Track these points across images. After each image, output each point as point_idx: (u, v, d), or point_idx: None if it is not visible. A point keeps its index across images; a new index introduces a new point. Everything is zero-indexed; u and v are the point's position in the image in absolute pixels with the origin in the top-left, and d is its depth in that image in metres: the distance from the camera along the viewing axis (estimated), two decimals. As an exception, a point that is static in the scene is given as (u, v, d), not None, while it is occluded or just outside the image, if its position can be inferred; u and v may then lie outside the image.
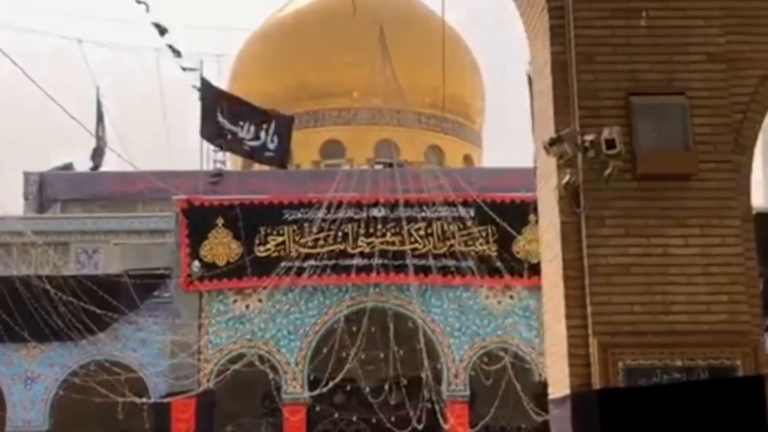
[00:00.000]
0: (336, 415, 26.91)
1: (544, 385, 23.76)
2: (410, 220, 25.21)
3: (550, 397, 8.20)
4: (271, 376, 24.94)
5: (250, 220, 25.32)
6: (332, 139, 38.40)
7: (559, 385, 7.85)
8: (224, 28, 54.94)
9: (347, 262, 25.05)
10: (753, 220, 7.97)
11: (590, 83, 7.81)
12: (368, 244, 25.10)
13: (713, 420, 7.32)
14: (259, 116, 28.81)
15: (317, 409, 25.94)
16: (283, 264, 24.72)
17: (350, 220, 25.21)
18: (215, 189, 28.55)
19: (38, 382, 25.50)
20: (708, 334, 7.54)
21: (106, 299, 24.58)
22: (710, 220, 7.69)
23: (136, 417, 24.68)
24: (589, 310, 7.57)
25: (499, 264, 24.78)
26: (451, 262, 24.91)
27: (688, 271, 7.62)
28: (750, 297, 7.67)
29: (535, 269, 24.19)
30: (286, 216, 25.44)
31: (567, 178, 7.64)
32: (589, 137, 7.47)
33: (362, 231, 25.16)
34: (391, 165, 30.78)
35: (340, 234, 25.15)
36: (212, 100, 28.52)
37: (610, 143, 7.41)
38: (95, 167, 34.59)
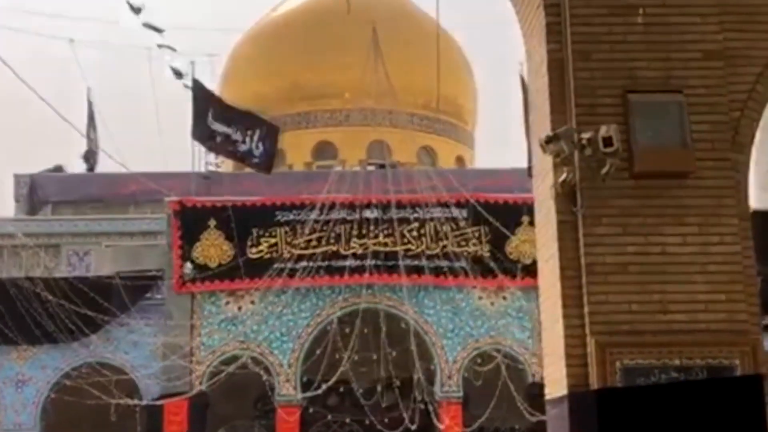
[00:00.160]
0: (329, 416, 26.83)
1: (537, 386, 23.86)
2: (403, 221, 25.15)
3: (547, 397, 8.13)
4: (264, 377, 24.86)
5: (243, 221, 25.24)
6: (324, 141, 38.33)
7: (556, 385, 7.79)
8: (216, 30, 54.73)
9: (340, 263, 24.98)
10: (751, 218, 7.92)
11: (587, 81, 7.76)
12: (361, 245, 25.04)
13: (712, 420, 7.27)
14: (246, 121, 28.72)
15: (310, 410, 25.86)
16: (275, 265, 24.64)
17: (343, 221, 25.15)
18: (208, 190, 28.47)
19: (29, 385, 25.37)
20: (706, 333, 7.48)
21: (97, 301, 24.48)
22: (708, 219, 7.64)
23: (129, 419, 24.58)
24: (586, 309, 7.52)
25: (492, 264, 24.74)
26: (444, 263, 24.86)
27: (686, 269, 7.57)
28: (748, 296, 7.62)
29: (528, 270, 24.27)
30: (279, 217, 25.37)
31: (563, 176, 7.58)
32: (586, 135, 7.41)
33: (355, 232, 25.10)
34: (383, 166, 30.72)
35: (332, 235, 25.09)
36: (203, 101, 28.41)
37: (607, 141, 7.35)
38: (90, 169, 34.48)
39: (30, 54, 33.39)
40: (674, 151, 7.64)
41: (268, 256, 25.01)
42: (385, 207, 25.29)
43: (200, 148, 30.15)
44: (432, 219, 25.15)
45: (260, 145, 28.31)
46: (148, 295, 25.54)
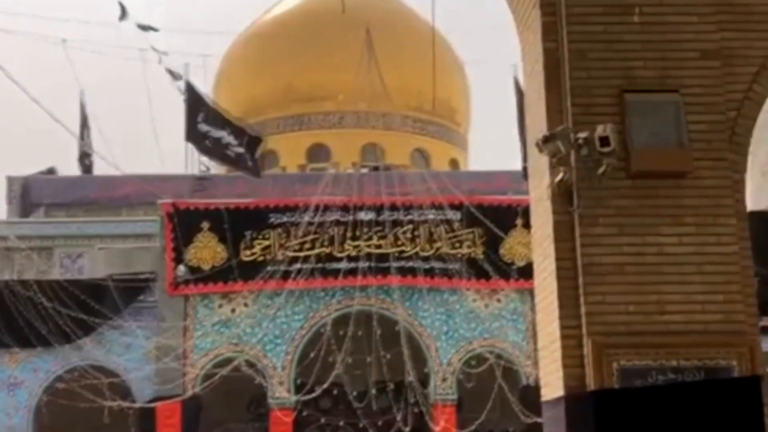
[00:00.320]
0: (323, 419, 26.74)
1: (531, 388, 23.81)
2: (397, 223, 25.11)
3: (544, 399, 8.07)
4: (257, 380, 24.78)
5: (236, 223, 25.16)
6: (318, 143, 38.27)
7: (553, 387, 7.74)
8: (209, 32, 54.69)
9: (334, 265, 24.93)
10: (748, 218, 7.88)
11: (583, 80, 7.72)
12: (355, 247, 24.99)
13: (710, 421, 7.23)
14: (235, 127, 28.70)
15: (304, 413, 25.77)
16: (269, 268, 24.58)
17: (337, 223, 25.09)
18: (201, 192, 28.41)
19: (22, 388, 25.25)
20: (703, 334, 7.45)
21: (90, 304, 24.38)
22: (705, 219, 7.61)
23: (122, 422, 24.48)
24: (583, 310, 7.47)
25: (486, 266, 24.71)
26: (438, 265, 24.82)
27: (683, 270, 7.54)
28: (746, 296, 7.59)
29: (522, 272, 24.26)
30: (272, 220, 25.31)
31: (560, 176, 7.54)
32: (582, 135, 7.37)
33: (349, 234, 25.05)
34: (377, 168, 30.69)
35: (326, 238, 25.03)
36: (195, 104, 28.37)
37: (604, 141, 7.31)
38: (86, 171, 34.38)
39: (22, 56, 33.31)
40: (671, 151, 7.61)
41: (262, 258, 24.94)
42: (378, 209, 25.25)
43: (193, 151, 30.14)
44: (426, 221, 25.11)
45: (248, 149, 28.32)
46: (140, 297, 25.43)
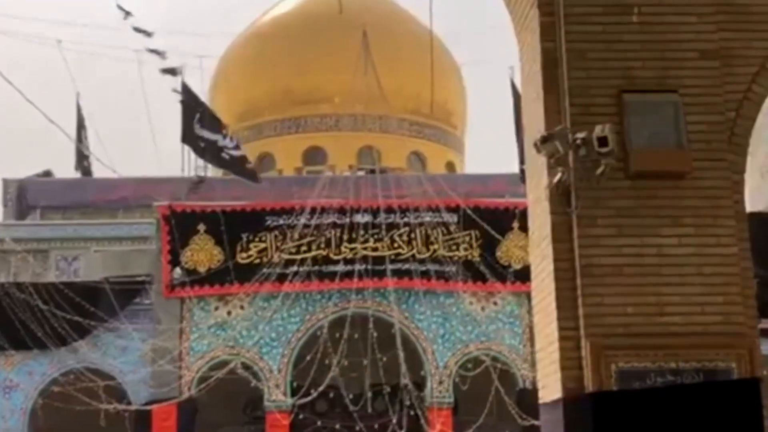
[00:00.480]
0: (319, 422, 26.65)
1: (528, 391, 23.76)
2: (393, 225, 25.06)
3: (542, 401, 8.02)
4: (253, 383, 24.72)
5: (232, 226, 25.10)
6: (315, 146, 38.24)
7: (551, 389, 7.69)
8: (206, 34, 54.66)
9: (330, 268, 24.87)
10: (747, 219, 7.84)
11: (581, 80, 7.67)
12: (351, 250, 24.93)
13: (709, 424, 7.18)
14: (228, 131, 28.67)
15: (300, 416, 25.69)
16: (265, 270, 24.53)
17: (333, 225, 25.03)
18: (197, 195, 28.35)
19: (17, 391, 25.16)
20: (702, 335, 7.40)
21: (85, 306, 24.30)
22: (704, 220, 7.56)
23: (118, 425, 24.38)
24: (581, 311, 7.42)
25: (482, 269, 24.66)
26: (434, 268, 24.77)
27: (683, 271, 7.49)
28: (745, 298, 7.54)
29: (519, 275, 24.23)
30: (269, 222, 25.25)
31: (558, 176, 7.49)
32: (580, 135, 7.33)
33: (345, 237, 25.00)
34: (373, 171, 30.64)
35: (323, 240, 24.98)
36: (191, 106, 28.31)
37: (602, 141, 7.26)
38: (85, 174, 34.31)
39: (18, 58, 33.26)
40: (670, 152, 7.56)
41: (258, 261, 24.89)
42: (375, 212, 25.20)
43: (189, 153, 30.08)
44: (422, 224, 25.06)
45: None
46: (137, 300, 25.36)
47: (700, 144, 7.62)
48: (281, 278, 24.56)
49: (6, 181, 32.88)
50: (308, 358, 24.35)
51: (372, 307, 24.90)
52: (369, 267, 24.74)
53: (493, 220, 25.03)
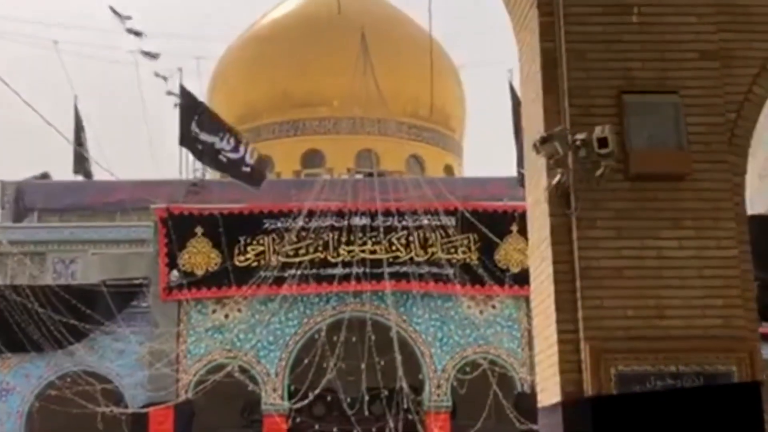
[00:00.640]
0: (317, 426, 26.59)
1: (526, 395, 23.70)
2: (391, 228, 25.00)
3: (540, 405, 7.95)
4: (250, 386, 24.64)
5: (230, 229, 25.04)
6: (313, 149, 38.18)
7: (550, 393, 7.62)
8: (205, 38, 54.70)
9: (328, 271, 24.80)
10: (747, 222, 7.77)
11: (581, 81, 7.61)
12: (349, 252, 24.87)
13: (709, 428, 7.12)
14: (237, 132, 28.51)
15: (297, 420, 25.63)
16: (263, 273, 24.45)
17: (331, 228, 24.98)
18: (197, 195, 28.30)
19: (14, 394, 25.09)
20: (703, 339, 7.33)
21: (82, 309, 24.23)
22: (705, 222, 7.49)
23: (115, 428, 24.31)
24: (580, 314, 7.35)
25: (481, 272, 24.60)
26: (432, 271, 24.70)
27: (683, 274, 7.42)
28: (745, 301, 7.47)
29: (517, 278, 24.18)
30: (266, 225, 25.19)
31: (557, 178, 7.42)
32: (580, 136, 7.26)
33: (343, 239, 24.94)
34: (371, 175, 30.58)
35: (320, 243, 24.92)
36: (189, 108, 28.22)
37: (602, 142, 7.20)
38: (85, 176, 34.22)
39: (14, 60, 33.21)
40: (670, 153, 7.50)
41: (256, 263, 24.82)
42: (373, 215, 25.14)
43: (187, 156, 30.03)
44: (420, 227, 25.00)
45: (254, 154, 28.12)
46: (134, 303, 25.30)
47: (701, 145, 7.56)
48: (279, 281, 24.50)
49: (3, 184, 32.81)
50: (306, 361, 24.28)
51: (370, 310, 24.83)
52: (367, 270, 24.68)
53: (492, 223, 24.98)
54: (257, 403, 25.12)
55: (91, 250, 28.60)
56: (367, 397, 24.92)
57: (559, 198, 7.49)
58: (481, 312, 25.11)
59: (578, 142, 7.26)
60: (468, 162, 42.40)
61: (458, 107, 41.41)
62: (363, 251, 24.85)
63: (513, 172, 28.70)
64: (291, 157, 37.79)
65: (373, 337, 24.23)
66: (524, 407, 22.82)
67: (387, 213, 25.12)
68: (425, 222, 25.02)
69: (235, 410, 26.78)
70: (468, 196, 27.17)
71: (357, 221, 25.03)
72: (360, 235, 24.91)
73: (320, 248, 24.92)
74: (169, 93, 27.55)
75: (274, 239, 24.99)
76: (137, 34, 23.23)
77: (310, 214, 24.92)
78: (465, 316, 25.10)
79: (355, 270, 24.65)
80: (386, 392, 24.82)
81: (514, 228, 24.66)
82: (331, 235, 24.98)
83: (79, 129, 33.44)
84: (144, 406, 24.20)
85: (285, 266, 24.65)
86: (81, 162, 33.81)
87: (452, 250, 24.96)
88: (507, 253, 24.95)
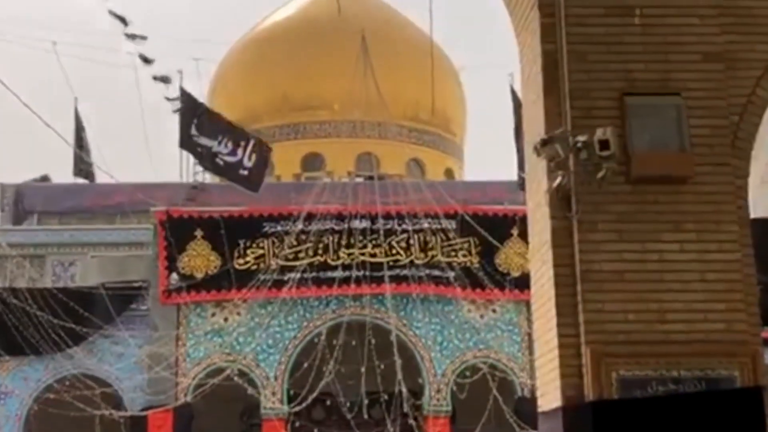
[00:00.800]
0: (316, 430, 26.53)
1: (526, 400, 23.64)
2: (392, 231, 24.94)
3: (541, 409, 7.88)
4: (250, 390, 24.57)
5: (230, 232, 25.00)
6: (313, 152, 38.11)
7: (550, 397, 7.55)
8: (205, 40, 54.64)
9: (328, 274, 24.74)
10: (750, 225, 7.70)
11: (583, 83, 7.54)
12: (349, 255, 24.81)
13: (711, 433, 7.04)
14: (237, 133, 28.37)
15: (296, 424, 25.59)
16: (262, 276, 24.40)
17: (331, 231, 24.93)
18: (195, 201, 28.21)
19: (12, 397, 25.04)
20: (705, 343, 7.26)
21: (82, 312, 24.17)
22: (707, 225, 7.43)
23: (114, 431, 24.26)
24: (581, 318, 7.28)
25: (481, 276, 24.54)
26: (433, 274, 24.64)
27: (684, 277, 7.35)
28: (748, 305, 7.41)
29: (517, 283, 24.12)
30: (266, 228, 25.15)
31: (558, 180, 7.35)
32: (581, 138, 7.19)
33: (343, 243, 24.88)
34: (371, 178, 30.52)
35: (320, 246, 24.86)
36: (189, 110, 28.13)
37: (604, 144, 7.13)
38: (87, 178, 34.13)
39: (14, 62, 33.17)
40: (672, 156, 7.44)
41: (255, 267, 24.76)
42: (373, 218, 25.09)
43: (188, 159, 29.97)
44: (421, 230, 24.94)
45: (253, 157, 28.00)
46: (133, 306, 25.27)
47: (703, 148, 7.49)
48: (278, 284, 24.45)
49: (3, 186, 32.74)
50: (305, 365, 24.22)
51: (370, 313, 24.78)
52: (367, 273, 24.63)
53: (492, 227, 24.92)
54: (256, 406, 25.06)
55: (91, 252, 28.54)
56: (366, 401, 24.87)
57: (560, 201, 7.42)
58: (481, 316, 25.05)
59: (579, 145, 7.20)
60: (469, 165, 42.36)
61: (459, 111, 41.33)
62: (363, 254, 24.80)
63: (514, 175, 28.64)
64: (291, 160, 37.70)
65: (372, 341, 24.18)
66: (524, 412, 22.75)
67: (387, 216, 25.06)
68: (425, 225, 24.97)
69: (234, 414, 26.71)
70: (468, 199, 27.10)
71: (357, 224, 24.98)
72: (360, 238, 24.86)
73: (320, 251, 24.87)
74: (168, 98, 27.43)
75: (273, 242, 24.94)
76: (134, 37, 23.17)
77: (310, 217, 24.88)
78: (465, 320, 25.04)
79: (355, 273, 24.60)
80: (386, 396, 24.76)
81: (515, 232, 24.61)
82: (331, 238, 24.93)
83: (79, 131, 33.37)
84: (143, 410, 24.15)
85: (285, 269, 24.60)
86: (82, 164, 33.75)
87: (452, 254, 24.89)
88: (507, 257, 24.89)
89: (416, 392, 24.84)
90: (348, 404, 25.01)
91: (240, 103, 37.65)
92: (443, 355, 24.97)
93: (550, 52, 7.65)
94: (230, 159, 27.91)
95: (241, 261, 24.88)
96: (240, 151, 27.99)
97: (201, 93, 32.62)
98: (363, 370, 24.03)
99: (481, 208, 25.66)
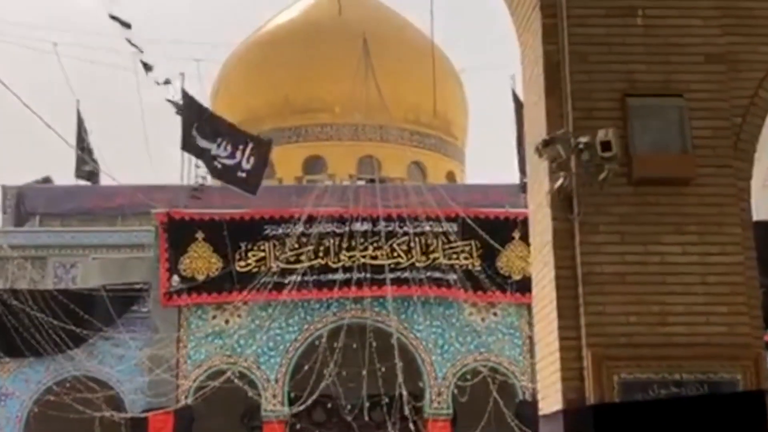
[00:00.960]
0: (316, 432, 26.53)
1: (527, 403, 23.59)
2: (393, 234, 24.90)
3: (541, 412, 7.84)
4: (250, 392, 24.53)
5: (231, 234, 24.95)
6: (314, 155, 38.11)
7: (551, 400, 7.51)
8: (207, 43, 54.67)
9: (329, 277, 24.70)
10: (753, 228, 7.66)
11: (584, 84, 7.51)
12: (350, 258, 24.77)
13: (713, 436, 7.00)
14: (237, 136, 28.36)
15: (297, 426, 25.55)
16: (263, 279, 24.37)
17: (332, 234, 24.89)
18: (201, 199, 28.21)
19: (13, 399, 24.99)
20: (707, 346, 7.23)
21: (83, 314, 24.15)
22: (709, 227, 7.39)
23: (114, 433, 24.29)
24: (582, 320, 7.25)
25: (482, 278, 24.49)
26: (434, 277, 24.60)
27: (686, 280, 7.32)
28: (750, 308, 7.37)
29: (519, 286, 24.07)
30: (268, 231, 25.10)
31: (560, 182, 7.32)
32: (583, 139, 7.16)
33: (345, 245, 24.84)
34: (373, 181, 30.51)
35: (321, 249, 24.83)
36: (191, 112, 28.13)
37: (606, 145, 7.10)
38: (91, 178, 34.12)
39: (15, 63, 33.17)
40: (674, 157, 7.40)
41: (256, 269, 24.72)
42: (374, 220, 25.05)
43: (189, 161, 29.93)
44: (422, 233, 24.90)
45: (251, 159, 27.98)
46: (134, 307, 25.22)
47: (705, 150, 7.46)
48: (279, 287, 24.40)
49: (5, 188, 32.78)
50: (306, 367, 24.18)
51: (371, 316, 24.73)
52: (368, 276, 24.57)
53: (494, 230, 24.88)
54: (257, 409, 25.01)
55: (92, 254, 28.56)
56: (367, 404, 24.83)
57: (561, 202, 7.39)
58: (482, 319, 24.99)
59: (581, 146, 7.17)
60: (470, 168, 42.34)
61: (460, 114, 41.32)
62: (364, 257, 24.76)
63: (515, 179, 28.65)
64: (292, 163, 37.71)
65: (373, 344, 24.14)
66: (525, 415, 22.70)
67: (388, 218, 25.02)
68: (427, 228, 24.92)
69: (235, 416, 26.67)
70: (470, 202, 27.07)
71: (358, 227, 24.94)
72: (361, 240, 24.82)
73: (321, 254, 24.83)
74: (169, 101, 27.44)
75: (275, 245, 24.90)
76: (135, 46, 23.23)
77: (311, 219, 24.84)
78: (466, 323, 25.00)
79: (356, 276, 24.55)
80: (386, 399, 24.71)
81: (516, 235, 24.56)
82: (332, 241, 24.89)
83: (81, 132, 33.37)
84: (143, 412, 24.09)
85: (285, 272, 24.56)
86: (84, 165, 33.75)
87: (454, 257, 24.85)
88: (509, 260, 24.85)
89: (417, 395, 24.78)
90: (349, 407, 24.98)
91: (242, 105, 37.65)
92: (444, 358, 24.92)
93: (552, 53, 7.63)
94: (228, 162, 27.91)
95: (242, 263, 24.84)
96: (239, 154, 27.99)
97: (202, 94, 32.66)
98: (364, 372, 23.98)
99: (482, 211, 25.62)
